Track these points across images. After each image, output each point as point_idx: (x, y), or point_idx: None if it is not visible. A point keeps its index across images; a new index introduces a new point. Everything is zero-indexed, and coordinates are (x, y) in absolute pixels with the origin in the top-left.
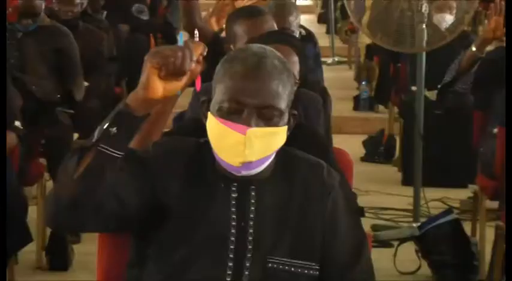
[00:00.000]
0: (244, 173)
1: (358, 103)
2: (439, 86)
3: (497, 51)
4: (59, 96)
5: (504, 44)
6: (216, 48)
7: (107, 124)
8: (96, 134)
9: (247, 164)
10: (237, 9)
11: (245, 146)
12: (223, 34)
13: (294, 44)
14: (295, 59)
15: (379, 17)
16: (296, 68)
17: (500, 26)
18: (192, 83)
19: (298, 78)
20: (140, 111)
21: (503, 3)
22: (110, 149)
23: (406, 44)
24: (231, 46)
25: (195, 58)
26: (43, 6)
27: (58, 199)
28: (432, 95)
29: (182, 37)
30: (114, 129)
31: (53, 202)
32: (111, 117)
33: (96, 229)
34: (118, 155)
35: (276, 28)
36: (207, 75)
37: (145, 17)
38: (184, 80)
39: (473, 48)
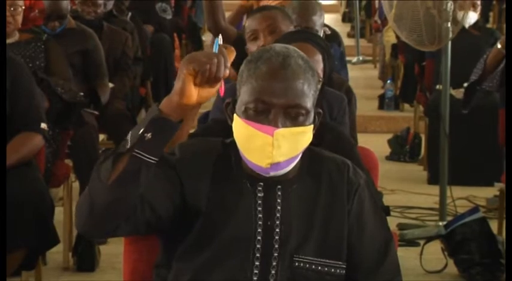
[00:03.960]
0: (272, 174)
1: (383, 102)
2: (465, 85)
3: None
4: (84, 97)
5: None
6: (239, 48)
7: (142, 129)
8: (129, 139)
9: (275, 165)
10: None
11: (273, 147)
12: None
13: (317, 43)
14: (318, 57)
15: (403, 15)
16: (319, 67)
17: None
18: None
19: (322, 76)
20: (174, 116)
21: None
22: (146, 155)
23: (430, 42)
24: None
25: (229, 64)
26: (69, 8)
27: (90, 205)
28: (457, 93)
29: (217, 43)
30: (149, 135)
31: (85, 208)
32: (145, 123)
33: (125, 234)
34: (153, 161)
35: (285, 24)
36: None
37: (168, 16)
38: (218, 86)
39: (499, 46)
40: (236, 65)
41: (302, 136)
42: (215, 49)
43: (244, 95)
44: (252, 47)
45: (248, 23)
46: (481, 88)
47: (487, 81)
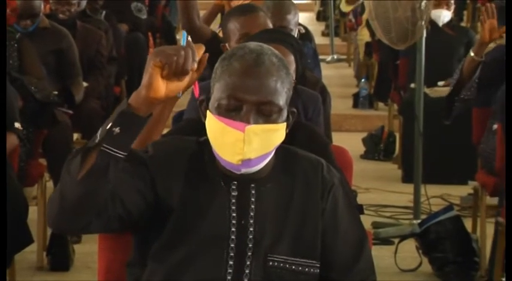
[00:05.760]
0: (243, 171)
1: (357, 101)
2: (439, 83)
3: (497, 50)
4: (58, 97)
5: (504, 42)
6: (213, 47)
7: (110, 124)
8: (98, 134)
9: (246, 162)
10: (232, 8)
11: (244, 144)
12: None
13: (290, 43)
14: (291, 58)
15: (378, 14)
16: (292, 68)
17: (495, 28)
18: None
19: (295, 77)
20: (142, 111)
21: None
22: (114, 149)
23: (401, 41)
24: (226, 44)
25: (197, 58)
26: (42, 7)
27: (61, 200)
28: (431, 92)
29: (185, 37)
30: (117, 129)
31: (56, 203)
32: (114, 117)
33: (99, 230)
34: (122, 155)
35: (271, 25)
36: (204, 75)
37: (143, 15)
38: (186, 80)
39: (472, 54)
40: (211, 64)
41: (274, 133)
42: (183, 43)
43: (217, 91)
44: None
45: (235, 26)
46: (460, 97)
47: (465, 90)
